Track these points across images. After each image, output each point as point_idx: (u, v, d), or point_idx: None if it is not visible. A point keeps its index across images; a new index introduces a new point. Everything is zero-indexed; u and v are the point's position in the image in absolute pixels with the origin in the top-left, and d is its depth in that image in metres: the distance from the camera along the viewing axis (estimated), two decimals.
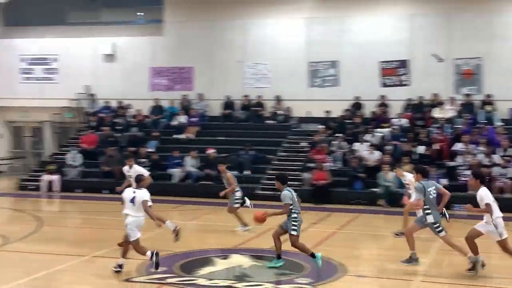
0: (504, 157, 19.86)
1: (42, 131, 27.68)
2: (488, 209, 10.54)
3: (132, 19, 26.92)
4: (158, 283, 10.46)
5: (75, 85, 26.23)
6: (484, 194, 10.64)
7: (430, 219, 11.00)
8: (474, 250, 10.85)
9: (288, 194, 11.16)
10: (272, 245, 11.61)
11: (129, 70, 26.06)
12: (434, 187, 11.21)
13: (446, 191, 11.45)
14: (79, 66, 26.49)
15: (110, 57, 26.26)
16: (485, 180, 11.17)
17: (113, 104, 25.72)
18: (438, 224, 11.04)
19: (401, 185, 15.90)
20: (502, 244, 10.72)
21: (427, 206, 11.01)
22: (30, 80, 27.33)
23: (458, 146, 20.58)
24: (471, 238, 10.84)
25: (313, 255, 11.23)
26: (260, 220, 11.53)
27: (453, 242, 11.14)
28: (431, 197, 11.04)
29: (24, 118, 27.75)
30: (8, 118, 28.12)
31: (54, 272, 11.55)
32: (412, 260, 11.18)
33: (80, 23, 27.15)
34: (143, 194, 11.07)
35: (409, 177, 13.89)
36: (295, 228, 11.13)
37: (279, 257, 11.46)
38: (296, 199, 11.30)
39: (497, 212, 10.63)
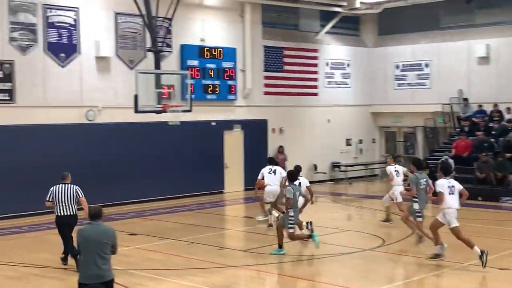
0: None
1: (414, 136, 27.97)
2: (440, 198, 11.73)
3: (508, 18, 25.50)
4: None
5: (447, 90, 25.86)
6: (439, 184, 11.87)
7: (415, 206, 13.09)
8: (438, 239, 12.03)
9: (290, 189, 12.59)
10: None
11: (504, 72, 24.72)
12: (425, 179, 13.16)
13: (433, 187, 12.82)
14: (451, 70, 26.05)
15: (484, 60, 25.26)
16: (449, 172, 12.36)
17: (487, 108, 24.66)
18: (420, 212, 13.11)
19: None
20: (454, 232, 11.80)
21: (416, 195, 13.08)
22: (403, 86, 27.84)
23: None
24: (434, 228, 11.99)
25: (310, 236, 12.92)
26: None
27: (424, 230, 12.87)
28: (421, 187, 13.02)
29: (397, 123, 28.42)
30: (381, 124, 29.12)
31: (430, 277, 11.42)
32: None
33: (453, 26, 26.68)
34: (306, 181, 14.78)
35: (390, 169, 16.32)
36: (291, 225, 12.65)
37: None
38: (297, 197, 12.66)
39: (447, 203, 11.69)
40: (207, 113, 22.37)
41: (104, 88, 20.08)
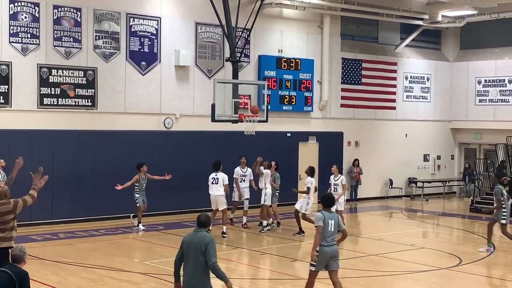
0: None
1: (495, 153, 27.07)
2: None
3: None
4: None
5: None
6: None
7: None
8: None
9: (320, 215, 9.57)
10: None
11: None
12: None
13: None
14: None
15: None
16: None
17: None
18: None
19: None
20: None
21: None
22: (484, 102, 27.07)
23: None
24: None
25: None
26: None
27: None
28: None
29: (477, 140, 27.65)
30: (461, 140, 28.38)
31: None
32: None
33: None
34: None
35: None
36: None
37: None
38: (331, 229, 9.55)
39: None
40: (282, 124, 22.37)
41: (182, 97, 20.39)
